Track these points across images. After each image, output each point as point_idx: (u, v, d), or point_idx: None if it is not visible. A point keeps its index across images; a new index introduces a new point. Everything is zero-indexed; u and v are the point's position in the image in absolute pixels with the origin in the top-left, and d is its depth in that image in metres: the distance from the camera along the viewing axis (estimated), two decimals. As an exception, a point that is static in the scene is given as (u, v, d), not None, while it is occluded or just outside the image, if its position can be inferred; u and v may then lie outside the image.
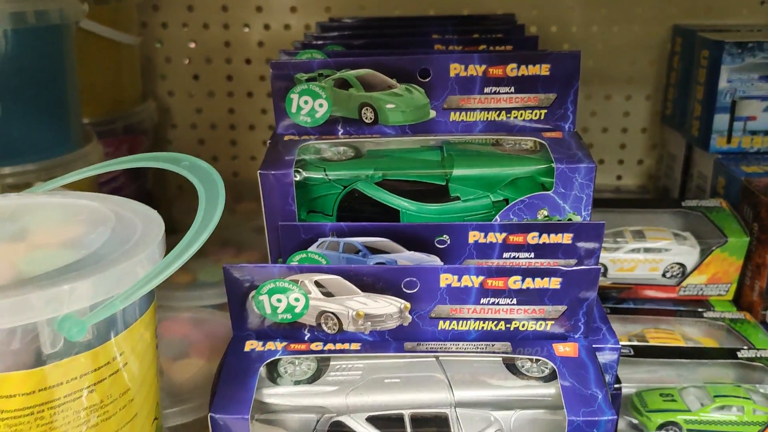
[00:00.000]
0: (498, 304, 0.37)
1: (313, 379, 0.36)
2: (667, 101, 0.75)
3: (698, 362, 0.49)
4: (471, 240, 0.41)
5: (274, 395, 0.35)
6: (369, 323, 0.37)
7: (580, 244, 0.40)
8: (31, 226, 0.32)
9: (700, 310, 0.55)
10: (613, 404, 0.40)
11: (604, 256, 0.56)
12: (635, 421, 0.48)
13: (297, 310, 0.37)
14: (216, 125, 0.79)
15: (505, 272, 0.36)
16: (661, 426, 0.46)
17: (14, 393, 0.25)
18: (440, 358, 0.37)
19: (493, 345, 0.37)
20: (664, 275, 0.56)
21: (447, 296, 0.37)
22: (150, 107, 0.72)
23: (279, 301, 0.37)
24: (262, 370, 0.36)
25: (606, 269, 0.56)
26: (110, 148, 0.66)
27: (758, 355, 0.48)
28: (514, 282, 0.36)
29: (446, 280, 0.36)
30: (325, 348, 0.37)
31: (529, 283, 0.36)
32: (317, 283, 0.37)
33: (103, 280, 0.26)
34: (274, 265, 0.36)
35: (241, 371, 0.36)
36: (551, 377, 0.36)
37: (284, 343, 0.37)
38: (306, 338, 0.38)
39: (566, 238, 0.41)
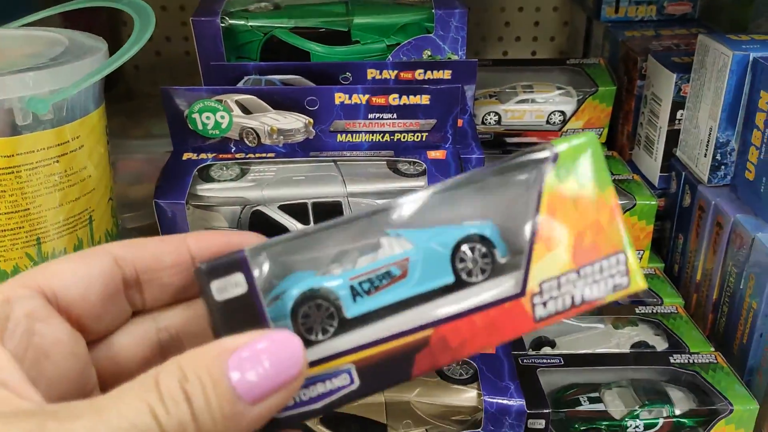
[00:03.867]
0: (382, 119, 0.47)
1: (236, 179, 0.46)
2: (573, -20, 0.83)
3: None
4: (369, 77, 0.50)
5: (206, 190, 0.45)
6: (281, 137, 0.47)
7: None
8: None
9: (576, 150, 0.65)
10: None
11: (499, 107, 0.66)
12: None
13: (223, 126, 0.46)
14: (166, 7, 0.86)
15: (385, 91, 0.45)
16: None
17: (-2, 155, 0.35)
18: (338, 162, 0.47)
19: (379, 153, 0.47)
20: (548, 122, 0.66)
21: (342, 112, 0.46)
22: (102, -14, 0.78)
23: (208, 118, 0.46)
24: (196, 172, 0.46)
25: (500, 117, 0.66)
26: (68, 22, 0.73)
27: (612, 178, 0.59)
28: (393, 99, 0.46)
29: (340, 98, 0.46)
30: (247, 156, 0.47)
31: (405, 100, 0.46)
32: (238, 103, 0.46)
33: (59, 72, 0.35)
34: (203, 87, 0.46)
35: (179, 173, 0.45)
36: (422, 173, 0.46)
37: (214, 154, 0.47)
38: (232, 150, 0.47)
39: (446, 74, 0.50)
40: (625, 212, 0.56)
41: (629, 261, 0.23)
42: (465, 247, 0.23)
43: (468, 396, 0.40)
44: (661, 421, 0.44)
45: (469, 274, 0.24)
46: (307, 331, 0.23)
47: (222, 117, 0.46)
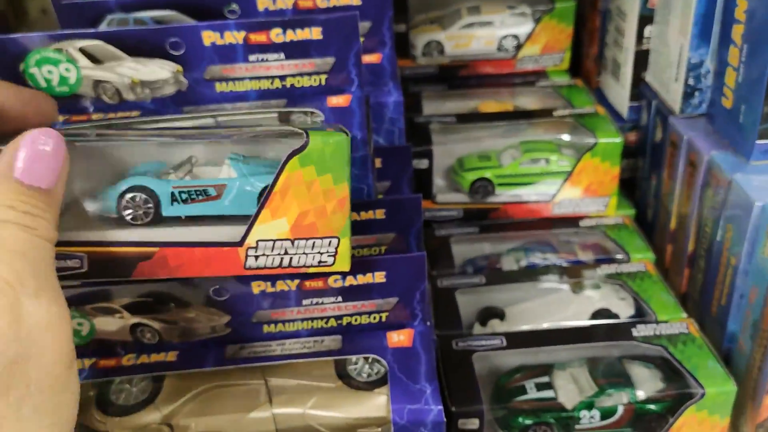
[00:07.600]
0: (267, 60, 0.38)
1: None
2: None
3: (517, 124, 0.51)
4: (261, 7, 0.41)
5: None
6: (147, 90, 0.38)
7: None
8: None
9: (534, 80, 0.56)
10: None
11: (440, 35, 0.56)
12: (455, 182, 0.50)
13: (71, 81, 0.37)
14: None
15: (264, 25, 0.36)
16: (474, 182, 0.49)
17: None
18: (218, 118, 0.38)
19: (269, 103, 0.39)
20: (499, 48, 0.56)
21: (215, 55, 0.37)
22: None
23: (50, 72, 0.37)
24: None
25: (443, 47, 0.56)
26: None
27: (572, 112, 0.50)
28: (276, 35, 0.37)
29: (209, 37, 0.37)
30: (108, 117, 0.38)
31: (292, 35, 0.37)
32: (82, 51, 0.37)
33: None
34: (36, 34, 0.36)
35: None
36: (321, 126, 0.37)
37: (65, 117, 0.38)
38: (90, 110, 0.39)
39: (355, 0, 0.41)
40: (586, 152, 0.48)
41: (340, 246, 0.30)
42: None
43: (376, 403, 0.32)
44: (620, 408, 0.37)
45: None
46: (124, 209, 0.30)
47: (67, 70, 0.37)
